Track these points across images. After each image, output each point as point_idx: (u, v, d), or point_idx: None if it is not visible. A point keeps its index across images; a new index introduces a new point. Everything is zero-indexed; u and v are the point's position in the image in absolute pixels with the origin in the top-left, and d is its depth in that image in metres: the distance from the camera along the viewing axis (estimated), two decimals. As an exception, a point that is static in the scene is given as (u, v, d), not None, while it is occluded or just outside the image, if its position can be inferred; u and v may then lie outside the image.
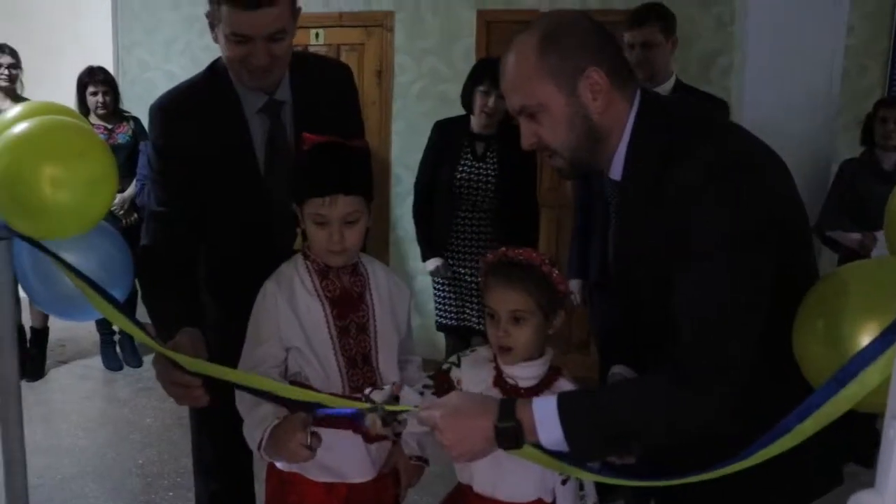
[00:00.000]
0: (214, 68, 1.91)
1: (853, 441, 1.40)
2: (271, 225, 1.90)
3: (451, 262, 3.60)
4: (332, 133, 1.68)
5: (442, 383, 1.67)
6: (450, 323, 3.69)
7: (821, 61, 3.75)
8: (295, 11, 1.78)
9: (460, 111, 3.60)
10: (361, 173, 1.69)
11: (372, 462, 1.74)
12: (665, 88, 3.08)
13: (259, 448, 1.58)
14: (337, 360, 1.69)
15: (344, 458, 1.69)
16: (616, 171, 1.45)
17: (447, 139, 3.60)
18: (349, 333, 1.71)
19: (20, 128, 1.61)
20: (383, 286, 1.78)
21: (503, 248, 1.64)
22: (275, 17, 1.70)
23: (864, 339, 1.18)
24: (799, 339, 1.31)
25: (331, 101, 1.94)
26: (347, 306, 1.72)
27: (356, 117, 2.07)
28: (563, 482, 1.61)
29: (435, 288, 3.71)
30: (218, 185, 1.85)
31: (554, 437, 1.31)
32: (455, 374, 1.67)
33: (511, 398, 1.40)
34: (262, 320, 1.70)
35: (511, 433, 1.32)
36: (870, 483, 0.96)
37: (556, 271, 1.60)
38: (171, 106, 1.89)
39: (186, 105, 1.89)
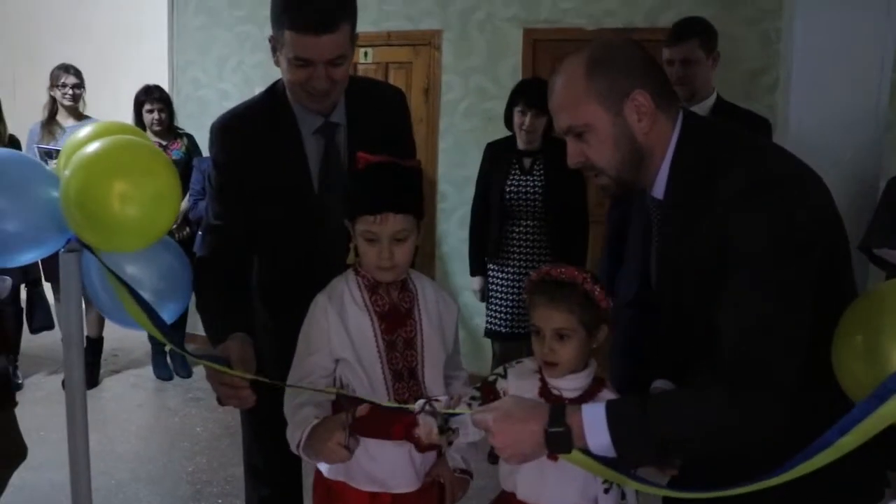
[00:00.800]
0: (273, 90, 1.96)
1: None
2: (324, 241, 1.94)
3: (505, 271, 3.76)
4: (384, 154, 1.72)
5: (488, 395, 1.69)
6: (500, 330, 3.82)
7: (869, 74, 3.66)
8: (354, 37, 1.84)
9: (506, 129, 3.77)
10: (412, 192, 1.72)
11: (416, 472, 1.75)
12: (706, 105, 3.01)
13: (298, 447, 1.61)
14: (383, 373, 1.72)
15: (388, 467, 1.72)
16: (659, 190, 1.49)
17: (497, 157, 3.80)
18: (396, 348, 1.74)
19: (92, 147, 1.68)
20: (432, 302, 1.81)
21: (546, 267, 1.67)
22: (336, 43, 1.76)
23: (904, 356, 1.20)
24: (838, 354, 1.33)
25: (384, 123, 1.98)
26: (395, 321, 1.76)
27: (408, 140, 2.11)
28: (606, 491, 1.63)
29: (490, 294, 3.84)
30: (274, 201, 1.91)
31: (601, 442, 1.35)
32: (501, 384, 1.71)
33: (561, 404, 1.44)
34: (313, 332, 1.74)
35: (561, 438, 1.36)
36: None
37: (598, 288, 1.63)
38: (232, 125, 1.96)
39: (246, 125, 1.95)
